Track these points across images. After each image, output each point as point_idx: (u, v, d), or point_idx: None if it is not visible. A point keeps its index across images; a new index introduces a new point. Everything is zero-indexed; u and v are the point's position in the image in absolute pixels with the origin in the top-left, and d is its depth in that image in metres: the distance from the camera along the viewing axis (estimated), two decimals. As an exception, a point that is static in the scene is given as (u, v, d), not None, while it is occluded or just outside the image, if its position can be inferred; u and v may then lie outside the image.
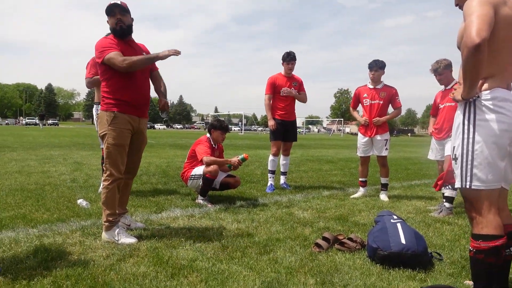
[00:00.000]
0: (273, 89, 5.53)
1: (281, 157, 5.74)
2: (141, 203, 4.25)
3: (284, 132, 5.58)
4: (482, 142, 1.88)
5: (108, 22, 3.03)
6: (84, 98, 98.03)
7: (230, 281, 2.23)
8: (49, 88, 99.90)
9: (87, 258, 2.53)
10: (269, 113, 5.59)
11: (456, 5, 2.13)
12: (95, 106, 4.63)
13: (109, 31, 3.11)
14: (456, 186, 2.01)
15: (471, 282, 2.16)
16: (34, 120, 62.03)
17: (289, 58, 5.48)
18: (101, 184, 4.71)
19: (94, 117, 4.66)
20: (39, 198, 4.37)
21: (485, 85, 1.92)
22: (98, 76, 4.24)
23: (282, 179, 5.77)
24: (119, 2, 2.96)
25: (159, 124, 78.65)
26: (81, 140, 17.20)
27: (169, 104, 3.45)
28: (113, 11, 2.95)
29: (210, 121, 4.80)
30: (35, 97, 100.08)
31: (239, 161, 4.50)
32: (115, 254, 2.62)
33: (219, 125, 4.67)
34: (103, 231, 2.95)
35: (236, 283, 2.20)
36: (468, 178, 1.92)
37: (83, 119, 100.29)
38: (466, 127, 1.94)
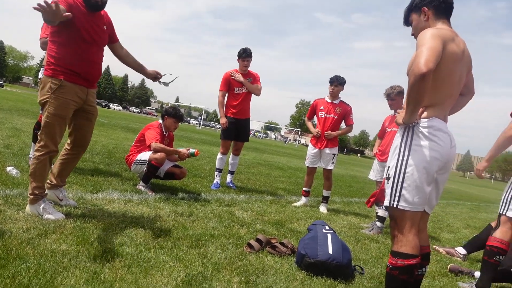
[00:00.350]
0: (227, 85, 5.43)
1: (231, 156, 5.67)
2: (77, 181, 4.05)
3: (236, 132, 5.51)
4: (414, 165, 2.01)
5: None
6: (37, 63, 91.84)
7: (154, 270, 2.18)
8: (0, 45, 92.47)
9: (5, 229, 2.36)
10: (222, 110, 5.52)
11: (412, 34, 2.27)
12: (42, 69, 4.33)
13: None
14: (384, 204, 2.13)
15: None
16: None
17: (244, 55, 5.33)
18: (31, 152, 4.43)
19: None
20: (-36, 159, 4.02)
21: (425, 113, 2.06)
22: None
23: (229, 178, 5.73)
24: None
25: (115, 104, 75.64)
26: (26, 106, 16.07)
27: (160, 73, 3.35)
28: None
29: (167, 107, 4.64)
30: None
31: (189, 154, 4.43)
32: (36, 228, 2.47)
33: (173, 113, 4.57)
34: (28, 204, 2.77)
35: (159, 272, 2.17)
36: (396, 198, 2.04)
37: (33, 85, 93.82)
38: (402, 149, 2.07)
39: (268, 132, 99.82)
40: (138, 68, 3.29)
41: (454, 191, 16.95)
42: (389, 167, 2.13)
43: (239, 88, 5.42)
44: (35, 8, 2.26)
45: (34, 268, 1.91)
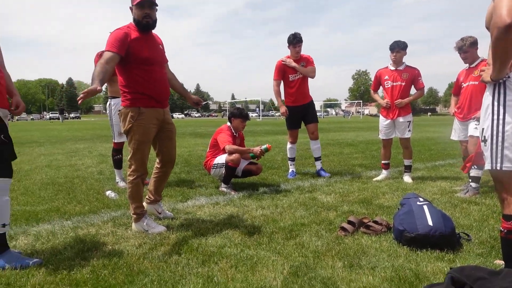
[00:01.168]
0: (282, 74, 5.34)
1: (310, 142, 5.52)
2: (167, 193, 4.36)
3: (302, 117, 5.41)
4: None
5: (132, 11, 2.92)
6: (104, 91, 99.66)
7: (259, 266, 2.29)
8: (70, 82, 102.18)
9: (121, 248, 2.63)
10: (279, 99, 5.47)
11: None
12: (109, 100, 4.69)
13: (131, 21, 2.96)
14: (486, 168, 2.00)
15: (501, 262, 2.15)
16: (57, 115, 63.76)
17: (295, 41, 5.18)
18: (116, 178, 4.86)
19: (108, 111, 4.72)
20: (70, 191, 4.54)
21: None
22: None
23: (318, 165, 5.49)
24: None
25: (177, 113, 79.42)
26: (103, 132, 17.60)
27: (202, 101, 3.57)
28: (142, 4, 2.85)
29: (227, 109, 4.86)
30: (57, 92, 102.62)
31: (262, 150, 4.54)
32: (146, 243, 2.72)
33: (239, 113, 4.70)
34: (133, 222, 3.06)
35: (265, 268, 2.26)
36: (499, 160, 1.91)
37: (104, 111, 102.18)
38: (496, 108, 1.92)
39: (328, 110, 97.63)
40: (183, 92, 3.48)
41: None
42: (483, 128, 1.99)
43: (293, 75, 5.32)
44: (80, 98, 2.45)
45: (157, 279, 2.11)
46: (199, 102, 3.51)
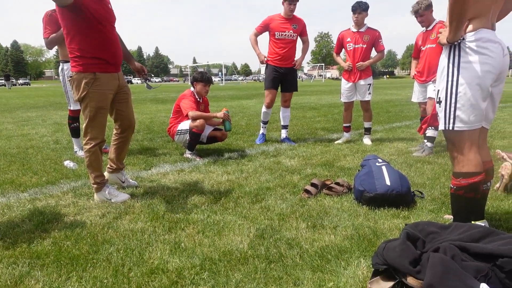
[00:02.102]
0: (265, 29, 5.07)
1: (281, 109, 5.38)
2: (130, 161, 4.26)
3: (282, 81, 5.17)
4: (466, 84, 1.92)
5: None
6: (54, 55, 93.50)
7: (226, 230, 2.33)
8: (15, 45, 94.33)
9: (83, 218, 2.57)
10: (256, 48, 5.15)
11: None
12: (61, 64, 4.37)
13: None
14: (439, 128, 2.09)
15: (450, 216, 2.32)
16: (3, 81, 59.34)
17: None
18: (74, 147, 4.68)
19: (61, 77, 4.40)
20: (24, 162, 4.31)
21: (470, 27, 1.92)
22: (58, 33, 3.98)
23: (284, 134, 5.41)
24: None
25: (136, 78, 76.29)
26: (57, 99, 16.65)
27: (145, 69, 3.36)
28: None
29: (189, 73, 4.71)
30: (0, 56, 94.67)
31: (226, 114, 4.47)
32: (110, 213, 2.67)
33: (200, 77, 4.57)
34: (94, 192, 2.97)
35: (232, 231, 2.31)
36: (451, 120, 1.99)
37: (56, 76, 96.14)
38: (450, 70, 1.97)
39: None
40: (127, 56, 3.20)
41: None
42: (438, 90, 2.06)
43: (281, 33, 4.98)
44: None
45: (123, 248, 2.10)
46: (142, 70, 3.30)
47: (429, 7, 4.34)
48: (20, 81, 64.66)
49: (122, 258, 1.99)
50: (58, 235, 2.29)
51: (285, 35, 5.02)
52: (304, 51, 5.39)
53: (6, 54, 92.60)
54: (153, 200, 2.92)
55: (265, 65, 5.25)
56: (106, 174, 3.15)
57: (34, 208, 2.77)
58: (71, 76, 2.83)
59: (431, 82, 4.40)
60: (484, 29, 1.92)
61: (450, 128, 2.00)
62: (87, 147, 2.88)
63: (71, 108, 4.55)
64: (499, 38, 1.95)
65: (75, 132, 4.63)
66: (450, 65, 1.97)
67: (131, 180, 3.38)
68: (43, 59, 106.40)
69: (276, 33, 5.01)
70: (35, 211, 2.71)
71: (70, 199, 2.99)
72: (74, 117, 4.60)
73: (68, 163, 4.09)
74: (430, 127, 4.29)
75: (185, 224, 2.44)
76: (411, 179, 3.33)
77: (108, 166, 3.22)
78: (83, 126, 2.89)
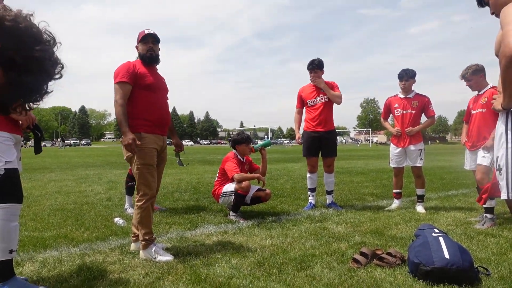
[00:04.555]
0: (301, 101, 5.24)
1: (324, 174, 5.23)
2: (175, 220, 4.32)
3: (320, 147, 5.12)
4: None
5: (137, 48, 3.21)
6: (115, 119, 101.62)
7: (269, 299, 2.20)
8: (82, 110, 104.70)
9: (128, 277, 2.58)
10: (297, 126, 5.36)
11: (492, 13, 2.08)
12: None
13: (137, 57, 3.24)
14: (502, 198, 1.94)
15: (524, 299, 2.04)
16: (69, 141, 64.98)
17: (311, 67, 5.03)
18: (126, 204, 4.89)
19: None
20: (78, 217, 4.53)
21: None
22: None
23: (329, 199, 5.22)
24: (153, 32, 3.17)
25: (186, 140, 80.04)
26: (114, 159, 17.76)
27: (183, 147, 3.69)
28: (146, 39, 3.15)
29: (233, 136, 4.94)
30: (69, 119, 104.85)
31: (261, 148, 4.77)
32: (153, 272, 2.66)
33: (241, 139, 4.73)
34: (141, 249, 3.01)
35: (275, 301, 2.18)
36: None
37: (114, 139, 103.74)
38: (509, 136, 1.88)
39: (337, 137, 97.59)
40: (171, 130, 3.57)
41: None
42: (498, 157, 1.95)
43: (312, 100, 5.11)
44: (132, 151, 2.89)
45: (163, 311, 2.05)
46: (180, 146, 3.69)
47: (477, 72, 4.27)
48: (83, 142, 70.39)
49: (162, 322, 1.93)
50: (102, 293, 2.29)
51: (316, 100, 5.09)
52: (330, 94, 5.07)
53: (74, 117, 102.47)
54: (196, 261, 2.88)
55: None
56: (132, 245, 3.19)
57: (83, 263, 2.84)
58: (122, 138, 3.08)
59: (480, 149, 4.17)
60: None
61: None
62: (139, 203, 3.01)
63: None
64: None
65: (130, 190, 4.87)
66: (509, 131, 1.89)
67: (160, 244, 3.26)
68: (105, 122, 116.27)
69: (308, 101, 5.15)
70: (84, 266, 2.77)
71: (117, 256, 3.04)
72: (132, 176, 4.86)
73: (117, 220, 4.23)
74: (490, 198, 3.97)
75: (227, 289, 2.35)
76: (473, 253, 3.02)
77: (132, 235, 3.20)
78: (135, 185, 3.04)
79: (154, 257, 2.92)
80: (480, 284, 2.41)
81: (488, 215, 4.05)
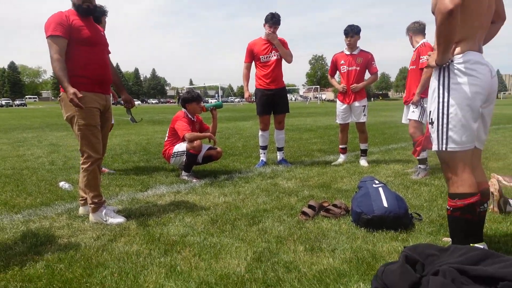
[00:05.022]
0: (252, 56, 5.06)
1: (275, 131, 5.30)
2: (125, 182, 4.23)
3: (273, 104, 5.11)
4: (456, 105, 1.96)
5: None
6: (51, 76, 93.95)
7: (223, 253, 2.29)
8: (12, 66, 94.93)
9: (78, 241, 2.53)
10: (245, 83, 5.21)
11: None
12: None
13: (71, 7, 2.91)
14: (433, 149, 2.11)
15: (449, 239, 2.30)
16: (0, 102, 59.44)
17: (272, 21, 4.89)
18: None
19: None
20: (19, 183, 4.27)
21: (458, 49, 1.98)
22: None
23: (279, 156, 5.33)
24: None
25: (134, 99, 76.74)
26: (54, 120, 16.64)
27: (134, 103, 3.48)
28: None
29: (183, 94, 4.78)
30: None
31: (212, 108, 4.74)
32: (105, 235, 2.63)
33: (191, 97, 4.60)
34: (90, 213, 2.94)
35: (229, 254, 2.27)
36: (444, 141, 2.01)
37: (52, 98, 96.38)
38: (441, 91, 2.01)
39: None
40: (118, 85, 3.36)
41: (493, 116, 16.27)
42: (430, 111, 2.09)
43: (266, 56, 4.99)
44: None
45: (117, 271, 2.06)
46: (130, 102, 3.44)
47: (407, 30, 4.47)
48: (17, 102, 64.70)
49: (116, 282, 1.94)
50: (51, 258, 2.24)
51: (269, 56, 5.02)
52: (284, 53, 5.08)
53: (3, 75, 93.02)
54: (149, 222, 2.89)
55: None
56: (80, 209, 3.10)
57: (28, 230, 2.73)
58: (59, 96, 2.89)
59: (410, 104, 4.45)
60: (472, 52, 1.97)
61: (443, 149, 2.02)
62: (84, 166, 2.89)
63: None
64: (486, 61, 2.01)
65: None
66: (440, 87, 2.01)
67: (109, 207, 3.16)
68: (40, 80, 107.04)
69: (261, 57, 5.01)
70: (29, 233, 2.66)
71: (65, 221, 2.95)
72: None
73: (63, 184, 4.05)
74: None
75: (181, 246, 2.40)
76: (409, 201, 3.32)
77: (80, 198, 3.11)
78: (78, 147, 2.90)
79: (105, 219, 2.88)
80: (413, 228, 2.68)
81: (422, 166, 4.43)
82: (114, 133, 10.16)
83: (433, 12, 2.02)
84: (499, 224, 2.74)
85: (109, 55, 3.16)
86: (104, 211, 2.92)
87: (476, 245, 2.05)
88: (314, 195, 3.61)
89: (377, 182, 3.01)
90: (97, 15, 4.36)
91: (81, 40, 2.81)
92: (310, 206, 3.04)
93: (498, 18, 2.17)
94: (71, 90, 2.62)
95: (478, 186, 2.09)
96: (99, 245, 2.44)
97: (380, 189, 2.83)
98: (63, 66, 2.71)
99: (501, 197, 2.95)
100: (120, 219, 2.90)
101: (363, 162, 5.24)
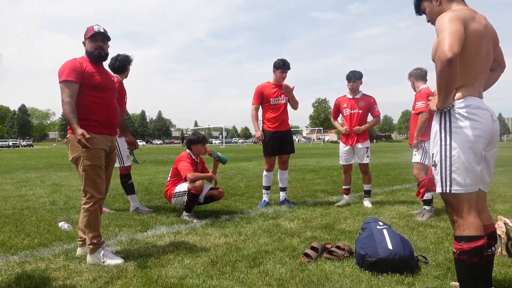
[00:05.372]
0: (261, 98, 5.17)
1: (279, 171, 5.32)
2: (125, 223, 4.17)
3: (279, 145, 5.19)
4: (459, 148, 1.97)
5: (84, 44, 3.04)
6: (59, 118, 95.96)
7: (222, 297, 2.21)
8: (22, 109, 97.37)
9: (73, 283, 2.46)
10: (255, 123, 5.26)
11: (428, 21, 2.27)
12: None
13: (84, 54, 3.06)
14: (437, 191, 2.09)
15: (457, 283, 2.22)
16: (7, 143, 60.20)
17: (285, 67, 5.08)
18: (132, 205, 4.81)
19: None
20: (18, 223, 4.22)
21: (458, 94, 2.03)
22: None
23: (282, 196, 5.31)
24: (102, 30, 2.99)
25: (138, 140, 77.61)
26: (58, 160, 16.74)
27: (138, 144, 3.60)
28: (95, 37, 2.97)
29: (188, 136, 4.86)
30: (7, 118, 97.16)
31: (216, 158, 4.75)
32: (102, 277, 2.56)
33: (197, 139, 4.66)
34: (88, 254, 2.88)
35: (228, 298, 2.19)
36: (448, 183, 2.00)
37: (59, 138, 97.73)
38: (443, 135, 2.04)
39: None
40: (123, 128, 3.55)
41: (497, 158, 16.18)
42: (433, 154, 2.10)
43: (276, 99, 5.14)
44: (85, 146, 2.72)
45: (111, 316, 1.98)
46: (134, 144, 3.70)
47: (409, 76, 4.60)
48: (23, 143, 65.54)
49: (110, 327, 1.86)
50: (45, 301, 2.16)
51: (279, 100, 5.16)
52: (294, 101, 5.28)
53: (13, 117, 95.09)
54: (147, 263, 2.81)
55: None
56: (78, 250, 3.05)
57: (23, 272, 2.66)
58: (67, 138, 2.95)
59: (413, 148, 4.50)
60: (472, 97, 2.02)
61: (447, 191, 2.01)
62: (86, 206, 2.88)
63: (125, 165, 4.76)
64: (487, 105, 2.05)
65: (131, 189, 4.85)
66: (442, 130, 2.04)
67: (109, 248, 3.12)
68: (49, 121, 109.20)
69: (271, 99, 5.15)
70: (23, 275, 2.59)
71: (61, 262, 2.88)
72: (126, 175, 4.81)
73: (62, 225, 4.00)
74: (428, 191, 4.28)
75: (179, 289, 2.32)
76: (414, 243, 3.24)
77: (79, 239, 3.06)
78: (81, 187, 2.90)
79: (102, 261, 2.81)
80: (419, 271, 2.59)
81: (427, 207, 4.36)
82: (117, 173, 10.17)
83: (433, 60, 2.10)
84: (508, 268, 2.64)
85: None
86: (102, 252, 2.86)
87: (485, 290, 1.96)
88: (317, 237, 3.53)
89: (381, 223, 2.95)
90: (124, 64, 4.72)
91: (92, 85, 2.93)
92: (313, 248, 2.96)
93: (498, 66, 2.25)
94: (80, 131, 2.69)
95: (485, 229, 2.06)
96: (95, 288, 2.36)
97: (385, 231, 2.77)
98: (73, 108, 2.80)
99: (508, 240, 2.87)
100: (118, 261, 2.83)
101: (366, 203, 5.17)
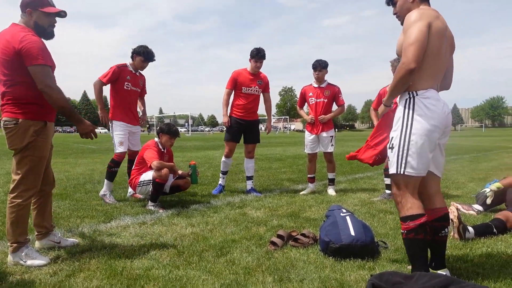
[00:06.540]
0: (234, 84, 5.17)
1: (245, 160, 5.40)
2: (88, 213, 4.04)
3: (244, 133, 5.28)
4: (417, 134, 2.14)
5: (30, 14, 2.59)
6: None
7: (189, 287, 2.21)
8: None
9: (32, 277, 2.36)
10: (225, 109, 5.22)
11: (395, 13, 2.38)
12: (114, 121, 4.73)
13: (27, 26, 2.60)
14: (390, 172, 2.23)
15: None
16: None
17: (258, 56, 5.10)
18: (104, 190, 4.68)
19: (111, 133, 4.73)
20: (-31, 215, 3.97)
21: (422, 85, 2.18)
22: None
23: (249, 185, 5.37)
24: (65, 10, 2.69)
25: (100, 128, 74.81)
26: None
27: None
28: (59, 14, 2.67)
29: (153, 123, 4.77)
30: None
31: (189, 173, 4.66)
32: (63, 270, 2.47)
33: (167, 130, 4.56)
34: (9, 253, 2.61)
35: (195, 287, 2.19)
36: (403, 165, 2.17)
37: None
38: (405, 121, 2.19)
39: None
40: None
41: (450, 147, 17.16)
42: (392, 137, 2.23)
43: (248, 88, 5.16)
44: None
45: (74, 310, 1.92)
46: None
47: (392, 65, 4.73)
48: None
49: (73, 322, 1.81)
50: (1, 297, 2.07)
51: (251, 90, 5.19)
52: (269, 111, 5.62)
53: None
54: (111, 255, 2.75)
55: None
56: (36, 243, 2.90)
57: (-24, 267, 2.52)
58: (15, 124, 2.55)
59: None
60: (433, 90, 2.22)
61: (401, 172, 2.17)
62: (19, 200, 2.57)
63: (117, 152, 4.64)
64: (442, 99, 2.23)
65: (112, 176, 4.69)
66: (405, 117, 2.20)
67: (69, 239, 3.04)
68: None
69: (243, 88, 5.16)
70: (-23, 270, 2.46)
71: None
72: (117, 162, 4.67)
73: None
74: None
75: (145, 281, 2.29)
76: (375, 229, 3.38)
77: (36, 232, 2.92)
78: (16, 177, 2.59)
79: (24, 261, 2.57)
80: (379, 256, 2.71)
81: (387, 191, 4.61)
82: (78, 162, 9.81)
83: (397, 54, 2.26)
84: (460, 250, 2.83)
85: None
86: (26, 251, 2.59)
87: (439, 271, 2.11)
88: (283, 225, 3.59)
89: (344, 211, 3.05)
90: (132, 53, 4.93)
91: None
92: (279, 236, 3.02)
93: (444, 86, 2.42)
94: (88, 123, 2.74)
95: (439, 211, 2.26)
96: (56, 282, 2.29)
97: (348, 218, 2.87)
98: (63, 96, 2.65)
99: (460, 223, 3.06)
100: (41, 261, 2.59)
101: (330, 191, 5.31)
